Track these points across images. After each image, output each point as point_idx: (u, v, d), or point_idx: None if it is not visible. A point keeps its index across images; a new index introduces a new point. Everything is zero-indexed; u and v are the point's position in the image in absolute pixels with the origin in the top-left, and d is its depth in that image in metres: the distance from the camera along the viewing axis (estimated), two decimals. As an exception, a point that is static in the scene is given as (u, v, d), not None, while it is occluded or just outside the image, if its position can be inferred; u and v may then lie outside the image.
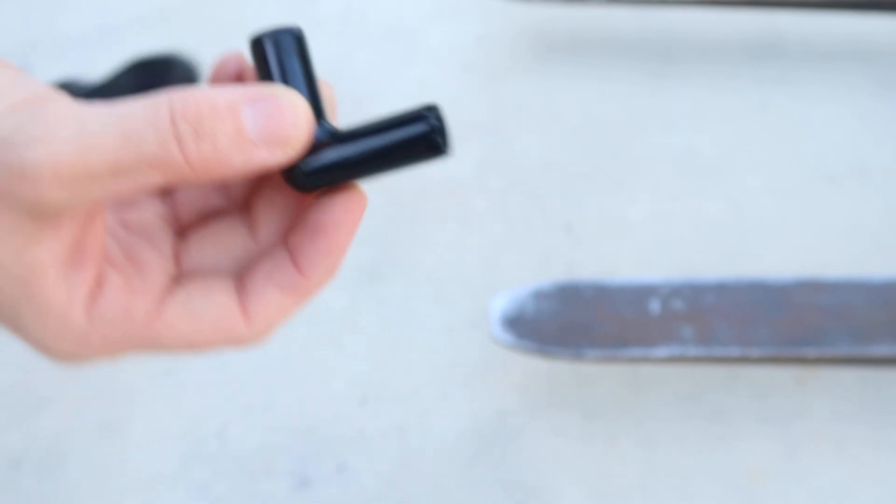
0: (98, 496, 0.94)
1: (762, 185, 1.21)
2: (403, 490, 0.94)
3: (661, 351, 0.89)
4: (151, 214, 0.29)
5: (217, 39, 1.43)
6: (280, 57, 0.28)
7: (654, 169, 1.24)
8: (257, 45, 0.28)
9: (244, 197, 0.30)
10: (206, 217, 0.30)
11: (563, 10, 1.43)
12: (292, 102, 0.26)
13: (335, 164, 0.27)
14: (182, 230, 0.30)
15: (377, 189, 1.19)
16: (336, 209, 0.28)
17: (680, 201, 1.20)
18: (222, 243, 0.29)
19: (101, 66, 1.39)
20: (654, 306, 0.92)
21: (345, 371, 1.03)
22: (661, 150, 1.26)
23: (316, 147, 0.27)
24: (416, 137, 0.27)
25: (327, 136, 0.28)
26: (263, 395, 1.01)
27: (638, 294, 0.93)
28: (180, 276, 0.28)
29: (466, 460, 0.96)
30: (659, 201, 1.20)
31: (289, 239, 0.28)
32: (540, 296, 0.93)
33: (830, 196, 1.20)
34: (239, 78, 0.29)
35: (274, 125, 0.25)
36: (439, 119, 0.27)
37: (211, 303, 0.27)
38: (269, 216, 0.29)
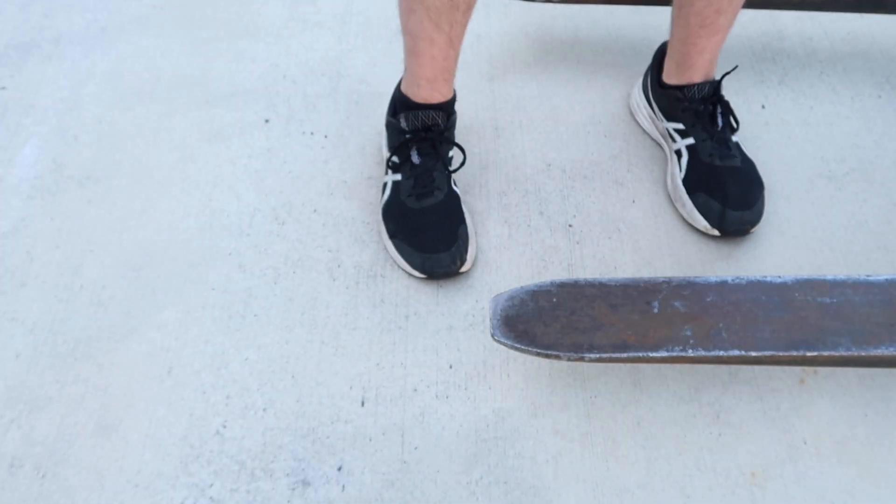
0: (98, 496, 0.94)
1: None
2: (403, 490, 0.94)
3: (661, 351, 0.89)
4: None
5: (217, 40, 1.44)
6: None
7: (653, 169, 1.24)
8: None
9: None
10: None
11: (563, 9, 1.43)
12: None
13: None
14: None
15: (377, 189, 1.19)
16: None
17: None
18: None
19: (101, 65, 1.39)
20: (654, 306, 0.92)
21: (345, 371, 1.03)
22: (661, 149, 1.26)
23: None
24: None
25: None
26: (263, 395, 1.01)
27: (638, 294, 0.93)
28: None
29: (466, 460, 0.96)
30: (658, 201, 1.20)
31: None
32: (540, 296, 0.93)
33: (830, 196, 1.20)
34: None
35: None
36: None
37: None
38: None
